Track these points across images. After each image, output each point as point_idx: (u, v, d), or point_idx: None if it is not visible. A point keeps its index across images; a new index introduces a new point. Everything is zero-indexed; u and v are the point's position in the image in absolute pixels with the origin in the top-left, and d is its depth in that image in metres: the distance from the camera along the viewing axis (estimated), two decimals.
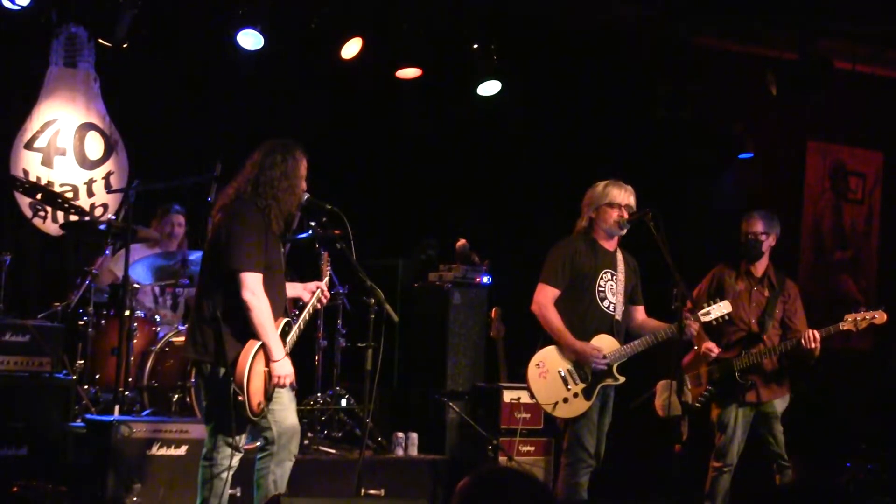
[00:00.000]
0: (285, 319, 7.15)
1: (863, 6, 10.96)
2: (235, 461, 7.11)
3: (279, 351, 6.94)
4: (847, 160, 13.17)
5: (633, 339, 8.29)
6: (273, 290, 7.02)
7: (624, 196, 8.25)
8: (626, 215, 8.21)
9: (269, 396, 6.98)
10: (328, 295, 7.55)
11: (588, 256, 8.22)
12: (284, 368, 6.96)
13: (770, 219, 9.04)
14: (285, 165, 7.11)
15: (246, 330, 6.91)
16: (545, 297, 8.15)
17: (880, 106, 12.69)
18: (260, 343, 6.90)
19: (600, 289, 8.20)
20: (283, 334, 7.11)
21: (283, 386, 7.00)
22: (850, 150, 13.17)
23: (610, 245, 8.31)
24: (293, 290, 7.53)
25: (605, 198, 8.24)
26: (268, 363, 6.93)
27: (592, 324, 8.17)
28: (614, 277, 8.26)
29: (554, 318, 8.09)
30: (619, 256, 8.35)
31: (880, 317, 8.79)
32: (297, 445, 7.20)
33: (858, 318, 8.78)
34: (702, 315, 8.27)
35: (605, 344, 8.15)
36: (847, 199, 13.18)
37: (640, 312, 8.45)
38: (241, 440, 7.08)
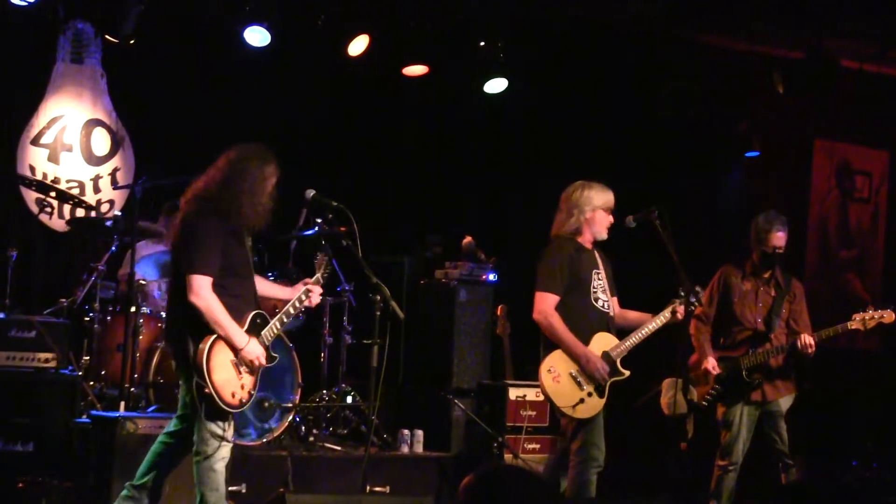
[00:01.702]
0: (255, 311, 7.19)
1: (869, 5, 10.95)
2: (226, 452, 7.13)
3: (241, 339, 7.02)
4: (853, 159, 13.16)
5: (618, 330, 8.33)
6: (238, 290, 7.11)
7: (613, 200, 8.33)
8: (613, 220, 8.26)
9: (250, 386, 7.09)
10: (317, 291, 7.53)
11: (579, 259, 8.26)
12: (252, 352, 7.06)
13: (787, 226, 9.05)
14: (253, 178, 7.18)
15: (206, 326, 6.99)
16: (548, 306, 8.13)
17: (886, 105, 12.68)
18: (214, 336, 6.97)
19: (594, 289, 8.24)
20: (256, 327, 7.17)
21: (261, 366, 7.10)
22: (856, 149, 13.16)
23: (589, 245, 8.35)
24: (281, 292, 7.58)
25: (607, 203, 8.28)
26: (236, 354, 7.02)
27: (592, 324, 8.19)
28: (600, 276, 8.32)
29: (560, 327, 8.07)
30: (597, 254, 8.40)
31: (888, 316, 8.80)
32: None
33: (867, 318, 8.78)
34: (683, 294, 8.30)
35: (605, 342, 8.19)
36: (853, 197, 13.17)
37: (615, 304, 8.49)
38: (228, 430, 7.09)
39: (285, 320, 7.39)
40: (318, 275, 7.64)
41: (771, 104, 11.87)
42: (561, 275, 8.16)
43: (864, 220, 13.20)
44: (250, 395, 7.11)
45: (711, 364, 8.87)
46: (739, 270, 9.11)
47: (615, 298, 8.46)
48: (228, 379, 6.99)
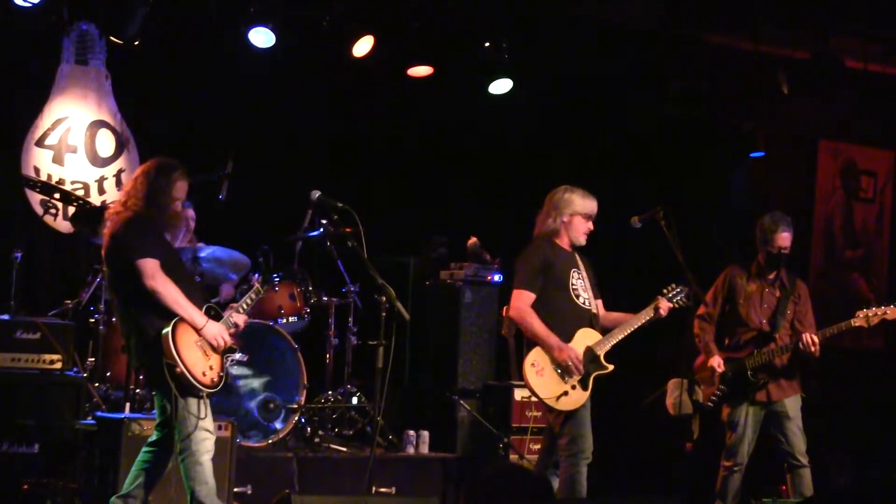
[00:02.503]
0: (207, 304, 7.36)
1: (874, 5, 10.94)
2: (210, 445, 7.22)
3: (200, 318, 7.20)
4: (858, 159, 13.16)
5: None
6: (183, 282, 7.26)
7: (595, 208, 8.39)
8: (592, 228, 8.29)
9: (219, 368, 7.24)
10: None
11: (557, 258, 8.34)
12: (212, 330, 7.21)
13: (792, 226, 9.06)
14: (158, 184, 7.34)
15: (163, 315, 7.13)
16: (524, 303, 8.23)
17: (892, 105, 12.66)
18: (176, 318, 7.11)
19: (574, 287, 8.33)
20: (211, 318, 7.30)
21: (224, 346, 7.25)
22: (861, 149, 13.16)
23: (568, 246, 8.42)
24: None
25: (586, 208, 8.39)
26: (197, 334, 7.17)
27: (573, 321, 8.27)
28: (580, 275, 8.40)
29: (535, 323, 8.17)
30: (576, 255, 8.46)
31: (892, 312, 8.80)
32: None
33: (870, 315, 8.79)
34: (668, 291, 8.35)
35: (588, 337, 8.26)
36: (858, 197, 13.17)
37: (600, 307, 8.53)
38: (205, 414, 7.17)
39: (243, 309, 7.50)
40: (258, 286, 7.71)
41: (776, 104, 11.86)
42: (537, 274, 8.26)
43: (870, 220, 13.20)
44: (220, 377, 7.25)
45: (717, 362, 8.88)
46: (744, 271, 9.11)
47: (599, 301, 8.52)
48: (197, 358, 7.14)
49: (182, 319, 7.11)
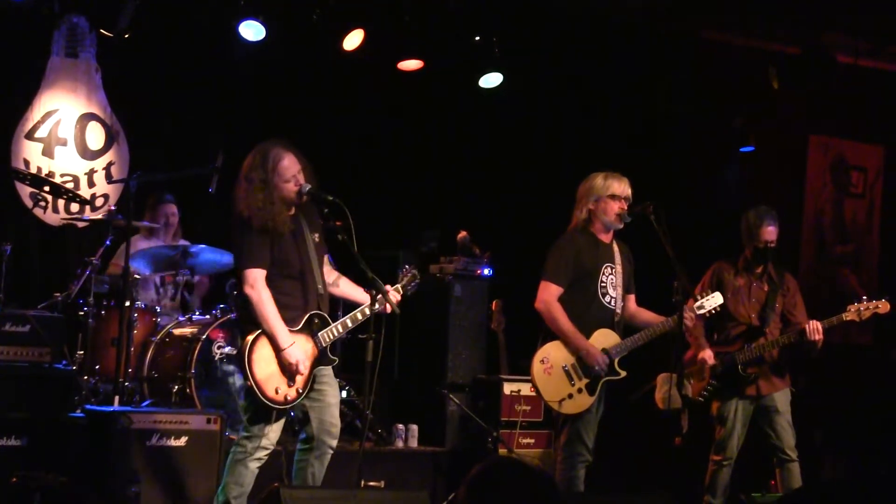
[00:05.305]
0: (313, 312, 7.33)
1: (865, 1, 10.95)
2: (263, 454, 7.29)
3: (284, 339, 7.13)
4: (848, 154, 13.16)
5: (626, 328, 8.29)
6: (288, 290, 7.24)
7: (624, 188, 8.24)
8: (626, 207, 8.20)
9: (300, 385, 7.23)
10: (394, 298, 7.56)
11: (590, 252, 8.19)
12: (291, 356, 7.15)
13: (778, 220, 9.05)
14: (264, 168, 7.26)
15: (252, 323, 7.16)
16: (550, 295, 8.12)
17: (882, 100, 12.68)
18: (259, 331, 7.13)
19: (602, 284, 8.18)
20: (314, 327, 7.31)
21: (296, 373, 7.18)
22: (851, 144, 13.17)
23: (607, 238, 8.30)
24: (361, 296, 7.61)
25: (607, 190, 8.21)
26: (277, 354, 7.15)
27: (594, 320, 8.15)
28: (614, 270, 8.25)
29: (561, 317, 8.06)
30: (616, 248, 8.34)
31: (883, 306, 8.82)
32: (333, 439, 7.50)
33: (862, 308, 8.80)
34: (696, 308, 8.25)
35: (605, 338, 8.14)
36: (848, 193, 13.18)
37: (631, 302, 8.43)
38: (270, 430, 7.25)
39: (349, 325, 7.50)
40: (399, 284, 7.78)
41: (767, 99, 11.86)
42: (566, 266, 8.14)
43: (860, 216, 13.21)
44: (299, 393, 7.24)
45: (708, 355, 8.87)
46: (732, 266, 9.12)
47: (632, 296, 8.42)
48: (271, 375, 7.15)
49: (262, 334, 7.16)
